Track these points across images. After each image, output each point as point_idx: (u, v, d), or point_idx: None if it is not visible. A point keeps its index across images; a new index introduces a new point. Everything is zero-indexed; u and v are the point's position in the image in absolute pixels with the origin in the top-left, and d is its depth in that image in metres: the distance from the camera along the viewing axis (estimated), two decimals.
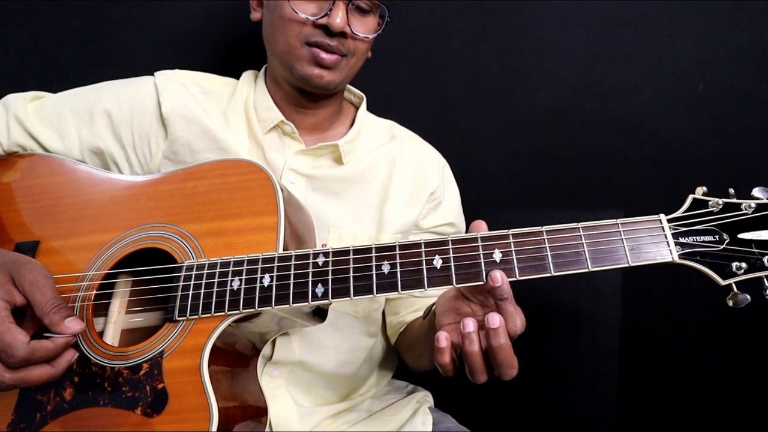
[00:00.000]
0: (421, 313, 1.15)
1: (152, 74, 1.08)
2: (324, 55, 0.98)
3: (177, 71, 1.10)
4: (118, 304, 0.91)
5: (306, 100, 1.07)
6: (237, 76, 1.14)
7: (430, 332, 0.95)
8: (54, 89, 1.10)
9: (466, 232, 0.82)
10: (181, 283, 0.82)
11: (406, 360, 1.20)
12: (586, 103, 1.39)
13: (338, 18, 0.96)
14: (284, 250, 0.83)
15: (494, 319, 0.74)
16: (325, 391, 1.09)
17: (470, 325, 0.76)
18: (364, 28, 1.01)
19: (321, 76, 1.00)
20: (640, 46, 1.37)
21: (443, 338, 0.77)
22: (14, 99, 1.05)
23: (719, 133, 1.37)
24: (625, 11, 1.36)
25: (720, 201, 0.76)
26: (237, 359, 0.86)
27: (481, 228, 0.80)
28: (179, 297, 0.81)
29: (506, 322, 0.75)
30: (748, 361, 1.42)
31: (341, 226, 1.06)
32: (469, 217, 1.27)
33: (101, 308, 0.89)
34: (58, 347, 0.76)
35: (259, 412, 0.86)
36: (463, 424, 1.12)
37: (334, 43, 0.98)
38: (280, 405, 1.03)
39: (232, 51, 1.36)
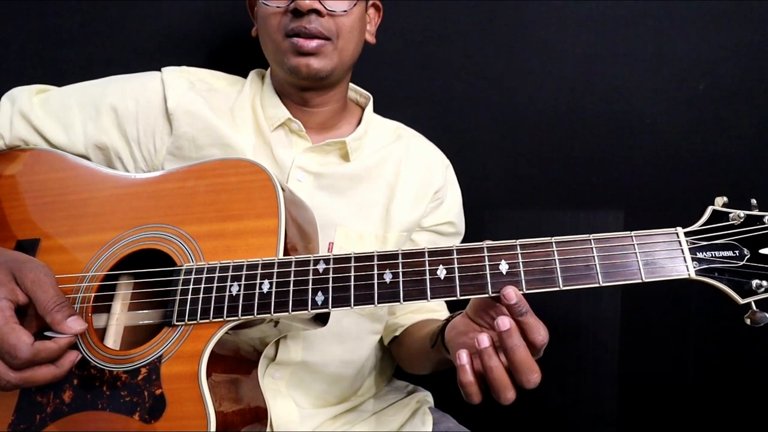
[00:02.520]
0: (418, 317, 1.16)
1: (159, 69, 1.08)
2: (303, 42, 0.96)
3: (184, 67, 1.09)
4: (119, 305, 0.90)
5: (309, 97, 1.06)
6: (239, 74, 1.14)
7: (437, 356, 0.94)
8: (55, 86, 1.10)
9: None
10: (179, 287, 0.81)
11: (402, 365, 1.20)
12: (586, 103, 1.39)
13: None
14: (287, 250, 0.82)
15: (504, 322, 0.71)
16: (326, 392, 1.09)
17: (485, 340, 0.73)
18: (339, 3, 0.98)
19: (307, 65, 0.98)
20: (640, 46, 1.36)
21: (464, 354, 0.74)
22: (20, 92, 1.05)
23: (719, 133, 1.37)
24: (625, 11, 1.36)
25: (741, 213, 0.72)
26: (237, 364, 0.85)
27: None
28: (177, 301, 0.81)
29: (530, 333, 0.72)
30: (748, 361, 1.42)
31: (348, 224, 1.06)
32: (470, 216, 1.27)
33: (102, 308, 0.89)
34: (61, 348, 0.76)
35: (260, 416, 0.86)
36: (463, 424, 1.12)
37: (311, 25, 0.95)
38: (281, 406, 1.03)
39: (234, 50, 1.35)
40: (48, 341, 0.76)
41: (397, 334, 1.16)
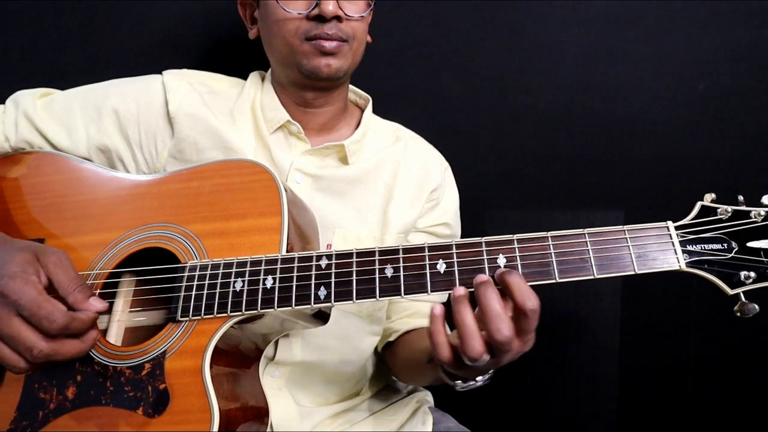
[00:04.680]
0: (414, 322, 1.14)
1: (160, 73, 1.08)
2: (325, 43, 0.98)
3: (185, 70, 1.10)
4: (121, 303, 0.91)
5: (311, 99, 1.07)
6: (239, 76, 1.14)
7: (434, 373, 0.92)
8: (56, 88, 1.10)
9: None
10: (184, 284, 0.82)
11: (398, 377, 1.20)
12: (586, 103, 1.39)
13: (330, 5, 0.96)
14: (288, 251, 0.83)
15: (481, 276, 0.74)
16: (325, 390, 1.09)
17: (460, 289, 0.74)
18: (356, 8, 1.01)
19: (328, 65, 1.00)
20: (640, 46, 1.37)
21: (438, 307, 0.75)
22: (24, 95, 1.06)
23: (719, 133, 1.37)
24: (625, 11, 1.36)
25: (729, 208, 0.75)
26: (239, 360, 0.86)
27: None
28: (182, 297, 0.82)
29: (517, 295, 0.72)
30: (748, 360, 1.42)
31: (346, 226, 1.07)
32: (470, 216, 1.27)
33: None
34: (91, 320, 0.79)
35: (261, 412, 0.86)
36: (463, 424, 1.13)
37: (332, 30, 0.98)
38: (281, 405, 1.03)
39: (234, 51, 1.36)
40: (79, 312, 0.78)
41: (391, 339, 1.15)
